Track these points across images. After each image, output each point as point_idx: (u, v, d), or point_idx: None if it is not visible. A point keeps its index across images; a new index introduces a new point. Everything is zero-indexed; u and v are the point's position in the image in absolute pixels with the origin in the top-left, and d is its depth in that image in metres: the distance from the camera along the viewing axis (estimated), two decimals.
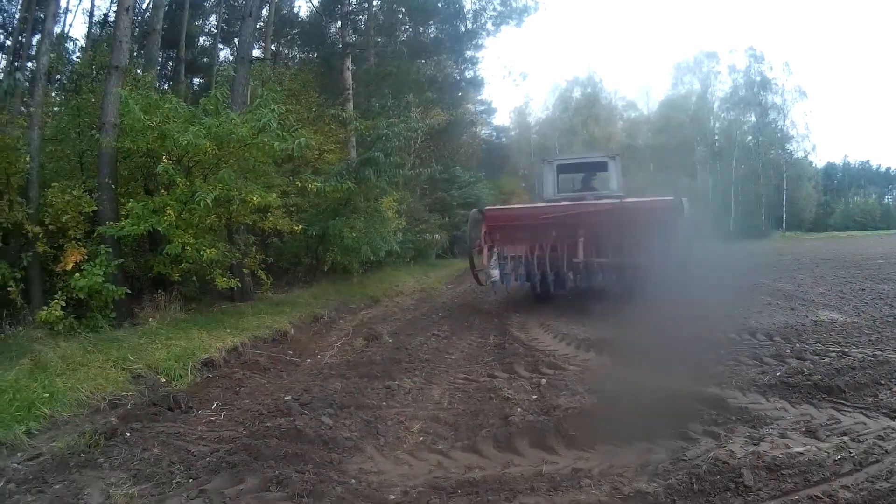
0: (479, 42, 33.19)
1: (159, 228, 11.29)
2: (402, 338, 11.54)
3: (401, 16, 30.48)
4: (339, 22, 28.32)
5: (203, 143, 11.45)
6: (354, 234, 16.88)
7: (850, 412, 5.93)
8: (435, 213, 32.09)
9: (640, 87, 79.82)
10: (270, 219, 14.82)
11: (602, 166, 17.01)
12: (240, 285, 13.44)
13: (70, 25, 25.33)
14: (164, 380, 8.26)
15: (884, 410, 5.91)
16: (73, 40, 25.54)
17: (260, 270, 14.47)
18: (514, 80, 51.75)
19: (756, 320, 11.09)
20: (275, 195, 13.20)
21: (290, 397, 7.39)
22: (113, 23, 17.48)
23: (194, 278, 13.29)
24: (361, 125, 19.34)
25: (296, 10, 32.17)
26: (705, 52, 76.58)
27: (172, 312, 11.76)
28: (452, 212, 35.30)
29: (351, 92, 25.64)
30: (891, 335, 9.30)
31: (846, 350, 8.41)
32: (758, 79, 72.98)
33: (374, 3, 29.66)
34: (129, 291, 11.38)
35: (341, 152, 21.13)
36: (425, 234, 26.11)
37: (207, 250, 11.45)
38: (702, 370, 7.60)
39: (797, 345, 8.92)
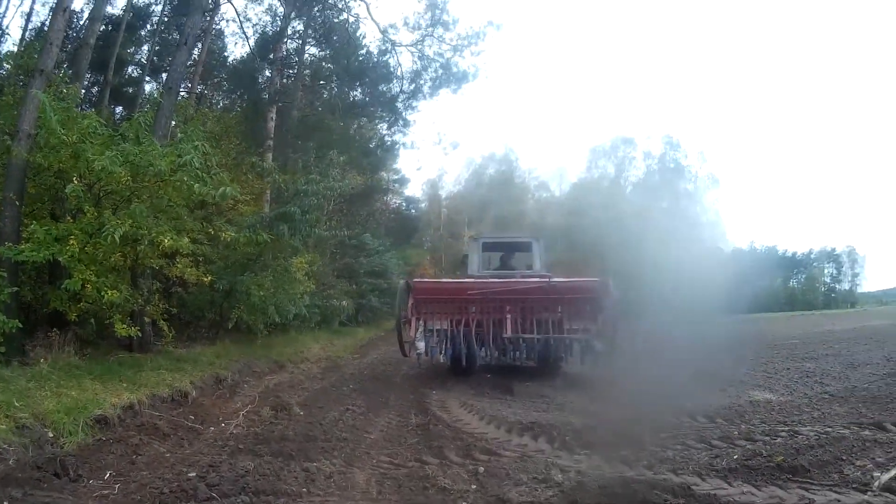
0: (414, 104, 32.14)
1: (60, 259, 10.34)
2: (314, 410, 10.68)
3: (328, 73, 30.11)
4: (270, 69, 27.71)
5: (118, 171, 10.67)
6: (262, 293, 16.09)
7: (819, 490, 5.70)
8: (342, 279, 31.21)
9: (554, 168, 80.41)
10: (178, 265, 13.87)
11: (526, 246, 17.58)
12: (140, 335, 12.35)
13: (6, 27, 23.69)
14: (51, 434, 7.25)
15: (853, 486, 5.74)
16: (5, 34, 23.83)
17: (162, 321, 13.47)
18: (445, 149, 51.25)
19: (690, 401, 10.56)
20: (186, 240, 12.12)
21: (194, 474, 6.47)
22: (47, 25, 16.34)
23: (92, 320, 12.13)
24: (280, 178, 18.60)
25: (227, 54, 31.52)
26: (622, 137, 77.73)
27: (66, 356, 10.66)
28: (359, 279, 34.59)
29: (272, 143, 25.04)
30: (831, 412, 9.40)
31: (795, 429, 8.24)
32: (672, 166, 74.63)
33: (306, 56, 29.35)
34: (20, 325, 10.06)
35: (256, 204, 20.20)
36: (332, 300, 25.21)
37: (109, 291, 10.43)
38: (651, 456, 7.11)
39: (742, 426, 8.66)
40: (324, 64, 29.97)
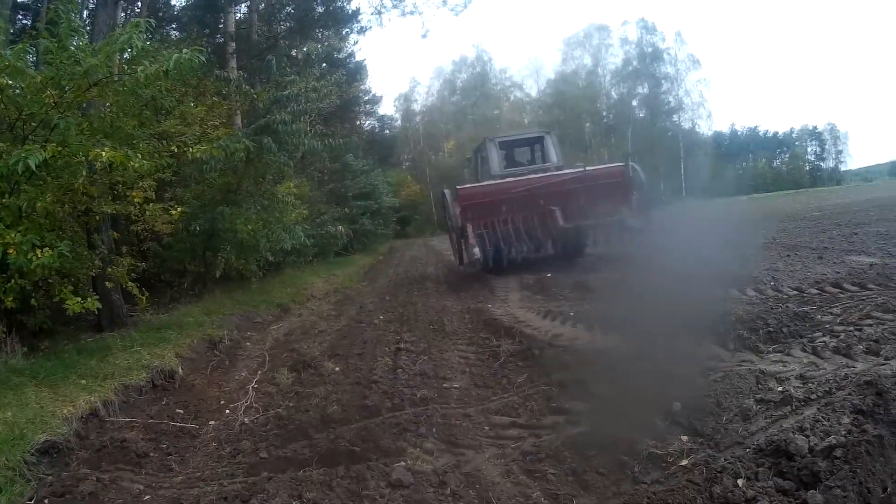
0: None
1: None
2: (353, 361, 7.79)
3: None
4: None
5: (31, 77, 7.70)
6: (250, 227, 12.91)
7: None
8: (331, 205, 28.31)
9: (529, 65, 78.72)
10: (136, 199, 10.49)
11: (540, 141, 18.10)
12: (100, 307, 8.90)
13: None
14: None
15: None
16: None
17: (131, 283, 10.01)
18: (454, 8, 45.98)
19: (810, 272, 9.69)
20: (139, 157, 8.55)
21: None
22: None
23: (34, 301, 8.72)
24: (251, 91, 15.19)
25: None
26: (596, 25, 76.10)
27: (7, 357, 7.47)
28: (349, 203, 31.74)
29: (234, 53, 21.76)
30: None
31: None
32: (650, 50, 72.78)
33: None
34: None
35: (227, 129, 16.81)
36: (327, 227, 22.25)
37: (38, 252, 7.05)
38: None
39: None
40: None
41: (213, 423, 5.95)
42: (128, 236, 12.26)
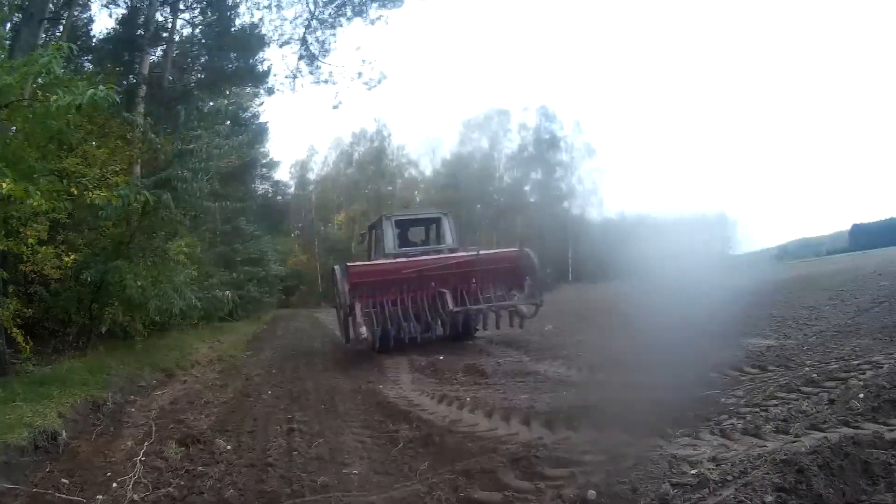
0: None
1: None
2: (244, 439, 7.53)
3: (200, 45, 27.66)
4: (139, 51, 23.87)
5: None
6: (140, 283, 12.38)
7: None
8: (220, 268, 27.82)
9: (427, 143, 79.51)
10: (30, 238, 10.02)
11: (437, 221, 18.07)
12: None
13: None
14: None
15: None
16: None
17: (16, 330, 9.48)
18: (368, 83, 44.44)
19: (705, 353, 9.84)
20: (39, 194, 8.18)
21: None
22: None
23: None
24: (156, 139, 14.66)
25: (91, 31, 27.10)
26: (497, 109, 77.33)
27: None
28: (237, 268, 31.43)
29: (144, 98, 21.10)
30: (856, 345, 9.30)
31: (870, 360, 7.96)
32: (547, 137, 74.50)
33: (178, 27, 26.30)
34: None
35: (126, 177, 16.26)
36: (215, 291, 21.74)
37: None
38: (757, 419, 6.14)
39: (793, 371, 8.15)
40: (196, 34, 27.61)
41: (100, 497, 5.57)
42: (14, 276, 11.51)
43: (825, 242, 78.82)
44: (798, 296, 18.93)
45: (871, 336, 10.07)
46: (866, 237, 68.00)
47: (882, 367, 7.42)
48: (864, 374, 7.31)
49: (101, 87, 8.08)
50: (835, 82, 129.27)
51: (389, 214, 17.84)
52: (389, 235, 16.83)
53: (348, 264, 15.24)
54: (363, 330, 13.54)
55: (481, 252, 15.49)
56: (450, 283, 14.70)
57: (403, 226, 18.06)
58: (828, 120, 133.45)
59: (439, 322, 15.10)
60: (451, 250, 16.56)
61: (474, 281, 15.03)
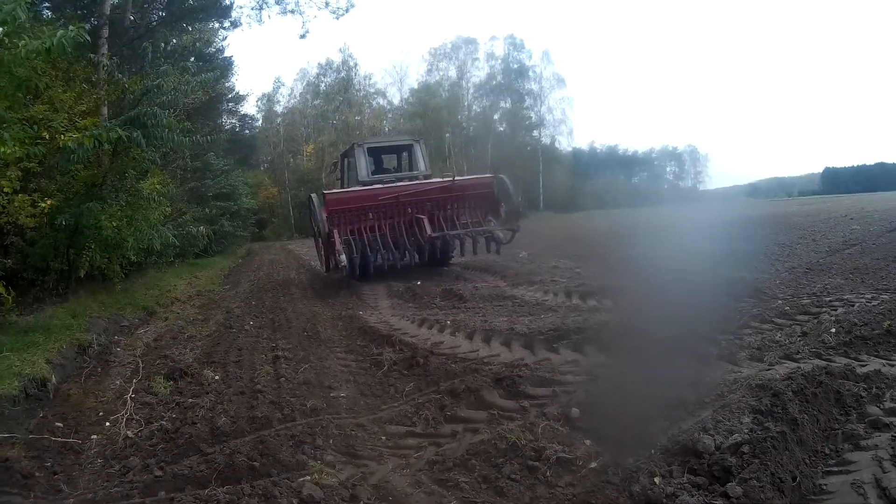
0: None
1: None
2: (231, 368, 7.66)
3: None
4: None
5: None
6: (115, 224, 12.35)
7: None
8: (192, 204, 27.55)
9: (394, 72, 78.51)
10: (6, 188, 9.88)
11: (409, 148, 18.00)
12: None
13: None
14: None
15: None
16: None
17: None
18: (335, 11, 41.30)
19: (678, 282, 9.51)
20: (12, 142, 8.03)
21: None
22: None
23: None
24: (123, 80, 14.31)
25: None
26: (464, 38, 76.66)
27: None
28: (209, 203, 30.94)
29: (107, 39, 20.39)
30: (821, 284, 9.76)
31: (839, 297, 8.41)
32: (516, 66, 74.13)
33: None
34: None
35: (94, 119, 15.93)
36: (189, 227, 21.63)
37: None
38: (733, 346, 6.45)
39: (777, 302, 8.52)
40: None
41: (95, 437, 5.66)
42: None
43: (797, 183, 79.27)
44: (770, 233, 19.33)
45: (842, 276, 10.46)
46: (838, 181, 68.69)
47: (853, 305, 7.73)
48: (835, 310, 7.63)
49: (70, 27, 7.96)
50: (818, 24, 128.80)
51: (361, 142, 17.76)
52: (363, 163, 16.73)
53: (325, 192, 15.09)
54: (343, 258, 13.56)
55: (456, 178, 15.60)
56: (426, 209, 14.63)
57: (376, 153, 18.02)
58: (807, 63, 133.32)
59: (416, 249, 15.13)
60: (426, 177, 16.55)
61: (450, 207, 15.05)
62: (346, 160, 18.40)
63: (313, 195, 16.45)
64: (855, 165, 67.99)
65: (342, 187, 17.69)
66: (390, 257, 14.49)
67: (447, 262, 17.16)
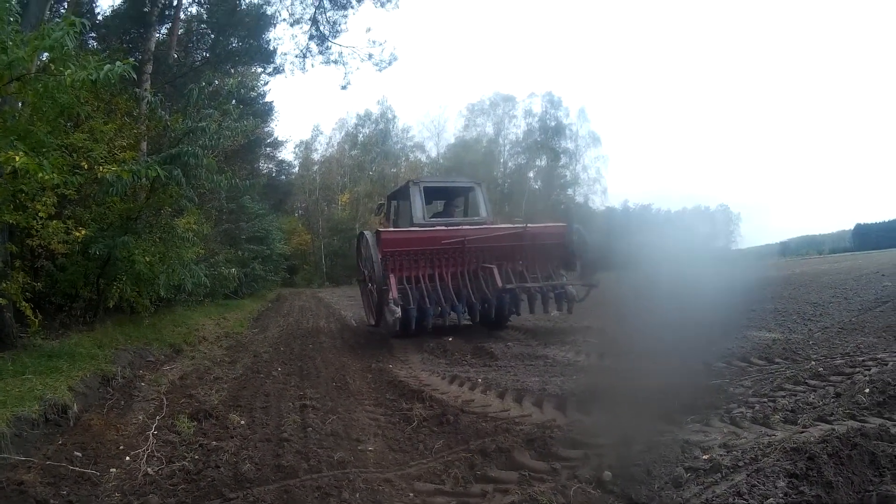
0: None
1: None
2: (257, 414, 7.49)
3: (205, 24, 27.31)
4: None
5: None
6: (148, 259, 12.33)
7: None
8: (225, 246, 27.75)
9: (431, 127, 79.36)
10: (41, 213, 9.87)
11: (469, 191, 16.46)
12: None
13: None
14: None
15: None
16: None
17: (24, 303, 9.44)
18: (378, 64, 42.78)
19: (711, 344, 9.79)
20: (48, 168, 7.92)
21: None
22: None
23: None
24: (166, 116, 14.31)
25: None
26: (502, 94, 77.39)
27: None
28: (242, 245, 31.29)
29: (150, 75, 20.87)
30: (853, 343, 9.39)
31: (873, 356, 8.16)
32: (553, 124, 74.42)
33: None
34: None
35: (133, 153, 16.01)
36: (221, 268, 21.68)
37: None
38: (765, 409, 6.22)
39: (796, 364, 8.35)
40: (202, 12, 27.35)
41: (114, 470, 5.51)
42: (21, 251, 11.38)
43: (828, 241, 78.59)
44: (802, 292, 18.93)
45: (875, 334, 10.15)
46: (869, 237, 67.75)
47: (887, 365, 7.52)
48: (869, 370, 7.42)
49: (118, 62, 8.01)
50: (845, 82, 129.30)
51: (417, 180, 15.89)
52: (418, 204, 15.02)
53: (380, 230, 13.79)
54: (398, 309, 12.19)
55: (530, 225, 13.87)
56: (492, 258, 13.39)
57: (433, 194, 16.56)
58: (834, 119, 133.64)
59: (480, 302, 13.24)
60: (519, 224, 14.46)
61: (520, 257, 13.74)
62: (394, 202, 17.16)
63: (366, 232, 14.57)
64: (886, 221, 66.92)
65: None
66: (449, 312, 13.16)
67: (504, 324, 14.99)
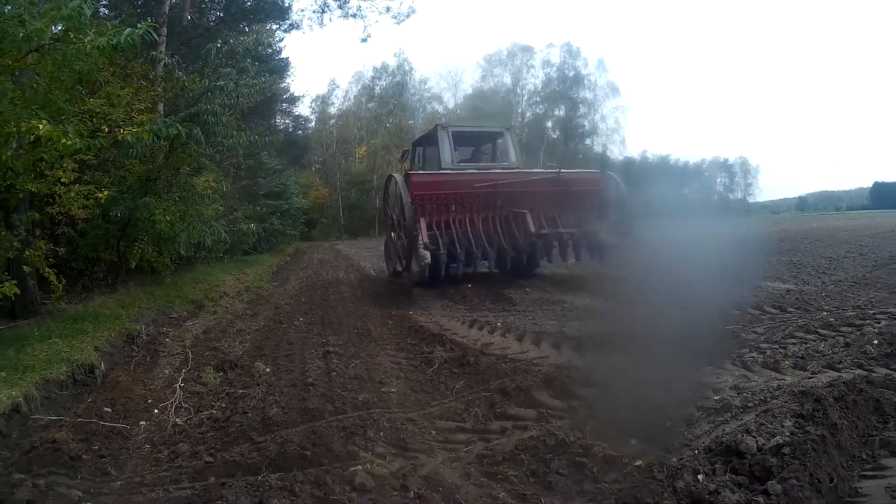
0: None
1: None
2: (281, 361, 7.63)
3: None
4: None
5: None
6: (169, 218, 12.29)
7: None
8: (244, 202, 27.84)
9: (449, 78, 78.67)
10: (63, 179, 9.96)
11: (499, 136, 16.27)
12: (18, 292, 8.38)
13: None
14: None
15: None
16: None
17: (48, 270, 9.57)
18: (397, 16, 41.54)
19: (726, 292, 9.37)
20: (71, 134, 7.92)
21: None
22: None
23: None
24: (182, 77, 14.17)
25: None
26: (520, 45, 76.89)
27: None
28: (260, 201, 31.27)
29: (164, 38, 20.43)
30: (865, 297, 9.54)
31: (883, 310, 8.27)
32: (571, 74, 73.79)
33: None
34: None
35: (151, 115, 15.98)
36: (240, 224, 21.77)
37: None
38: (776, 354, 6.46)
39: (809, 314, 8.48)
40: None
41: (143, 423, 5.63)
42: (42, 219, 11.50)
43: (845, 197, 78.03)
44: (818, 247, 19.16)
45: (887, 290, 10.27)
46: (886, 196, 67.19)
47: None
48: (878, 322, 7.55)
49: (140, 25, 8.03)
50: (871, 38, 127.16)
51: (446, 125, 15.22)
52: (447, 148, 14.47)
53: (410, 172, 13.46)
54: (427, 254, 11.84)
55: (563, 171, 13.58)
56: (524, 204, 12.93)
57: (461, 139, 15.56)
58: (857, 77, 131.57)
59: (512, 249, 12.88)
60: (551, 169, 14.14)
61: (553, 204, 13.14)
62: (419, 148, 16.64)
63: (396, 175, 14.65)
64: None
65: None
66: (480, 259, 12.67)
67: (533, 271, 14.85)
